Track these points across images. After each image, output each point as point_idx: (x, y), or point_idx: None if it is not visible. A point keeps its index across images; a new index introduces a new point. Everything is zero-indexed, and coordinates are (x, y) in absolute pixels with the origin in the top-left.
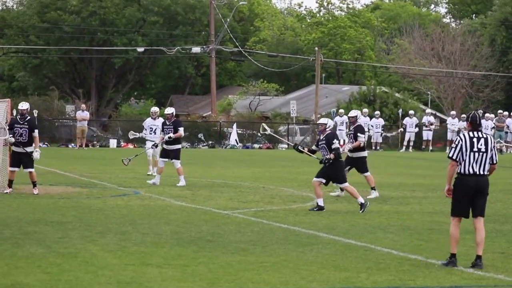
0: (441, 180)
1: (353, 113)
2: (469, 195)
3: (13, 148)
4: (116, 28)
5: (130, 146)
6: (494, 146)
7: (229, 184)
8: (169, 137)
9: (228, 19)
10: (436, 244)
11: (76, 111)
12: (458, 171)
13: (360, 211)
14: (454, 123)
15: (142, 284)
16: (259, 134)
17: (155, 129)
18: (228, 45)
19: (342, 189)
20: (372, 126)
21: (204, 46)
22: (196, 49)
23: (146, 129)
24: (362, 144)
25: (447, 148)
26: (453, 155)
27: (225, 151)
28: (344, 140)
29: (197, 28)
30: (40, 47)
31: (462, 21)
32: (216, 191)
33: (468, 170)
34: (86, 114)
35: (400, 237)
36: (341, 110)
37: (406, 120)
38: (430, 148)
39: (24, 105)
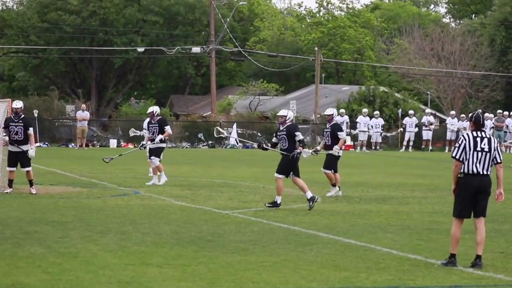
0: (441, 180)
1: (329, 111)
2: (472, 195)
3: (9, 147)
4: (116, 28)
5: (130, 146)
6: (497, 146)
7: (229, 184)
8: (160, 139)
9: (228, 19)
10: (436, 244)
11: (76, 111)
12: (462, 170)
13: (268, 205)
14: (454, 123)
15: (142, 284)
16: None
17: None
18: (228, 45)
19: (339, 188)
20: (371, 126)
21: (204, 46)
22: (196, 49)
23: (146, 129)
24: (346, 141)
25: (447, 148)
26: (456, 154)
27: (225, 151)
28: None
29: (197, 28)
30: (40, 47)
31: (461, 21)
32: (216, 191)
33: (472, 170)
34: (86, 114)
35: (399, 237)
36: (342, 110)
37: (406, 120)
38: (430, 148)
39: (18, 104)
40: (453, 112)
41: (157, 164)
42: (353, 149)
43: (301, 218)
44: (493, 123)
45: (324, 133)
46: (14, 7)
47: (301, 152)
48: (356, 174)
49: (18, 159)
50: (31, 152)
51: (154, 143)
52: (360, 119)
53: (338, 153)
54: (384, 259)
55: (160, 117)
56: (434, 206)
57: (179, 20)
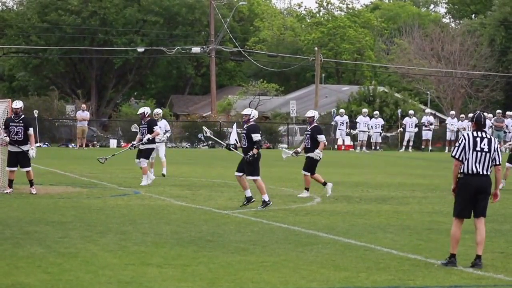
0: (441, 180)
1: (310, 113)
2: (471, 195)
3: (9, 148)
4: (116, 28)
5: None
6: (497, 147)
7: (229, 184)
8: (148, 139)
9: (228, 19)
10: (436, 244)
11: (76, 111)
12: (461, 170)
13: (260, 207)
14: (454, 123)
15: (142, 284)
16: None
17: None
18: (228, 45)
19: (325, 185)
20: (371, 126)
21: (204, 46)
22: (196, 49)
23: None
24: (325, 144)
25: (446, 148)
26: (455, 154)
27: (225, 151)
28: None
29: (197, 28)
30: (40, 47)
31: (461, 21)
32: (216, 191)
33: (472, 170)
34: (86, 114)
35: (399, 237)
36: (342, 110)
37: (406, 120)
38: (430, 148)
39: (18, 104)
40: (453, 112)
41: (145, 166)
42: (353, 149)
43: (301, 218)
44: (492, 123)
45: (305, 135)
46: (14, 7)
47: (255, 154)
48: (356, 174)
49: (18, 159)
50: (32, 153)
51: (143, 143)
52: (360, 119)
53: (319, 157)
54: (384, 259)
55: (150, 118)
56: (434, 206)
57: (179, 20)
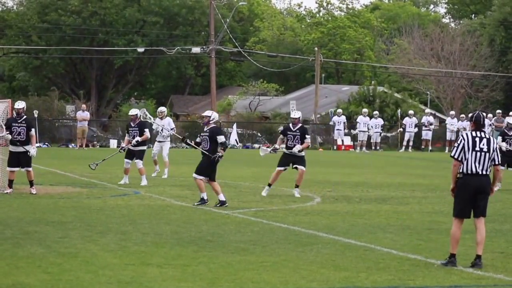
0: (441, 180)
1: (296, 114)
2: (471, 195)
3: (11, 148)
4: (116, 29)
5: (131, 146)
6: (496, 147)
7: (229, 184)
8: (137, 141)
9: (227, 19)
10: (436, 244)
11: (76, 111)
12: (460, 170)
13: (217, 204)
14: (453, 123)
15: (142, 284)
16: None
17: (161, 129)
18: (228, 45)
19: (270, 186)
20: (371, 126)
21: (204, 47)
22: (196, 49)
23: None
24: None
25: (446, 148)
26: (454, 154)
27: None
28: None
29: (197, 28)
30: (40, 47)
31: (461, 21)
32: None
33: (471, 170)
34: (87, 114)
35: (399, 237)
36: (339, 110)
37: (406, 120)
38: (430, 148)
39: (20, 104)
40: (452, 112)
41: (141, 167)
42: (353, 149)
43: (301, 218)
44: (491, 123)
45: (293, 136)
46: (14, 8)
47: (222, 156)
48: (356, 174)
49: (19, 159)
50: (33, 151)
51: (132, 145)
52: (360, 119)
53: (300, 152)
54: (384, 259)
55: (140, 120)
56: (434, 206)
57: (179, 20)
